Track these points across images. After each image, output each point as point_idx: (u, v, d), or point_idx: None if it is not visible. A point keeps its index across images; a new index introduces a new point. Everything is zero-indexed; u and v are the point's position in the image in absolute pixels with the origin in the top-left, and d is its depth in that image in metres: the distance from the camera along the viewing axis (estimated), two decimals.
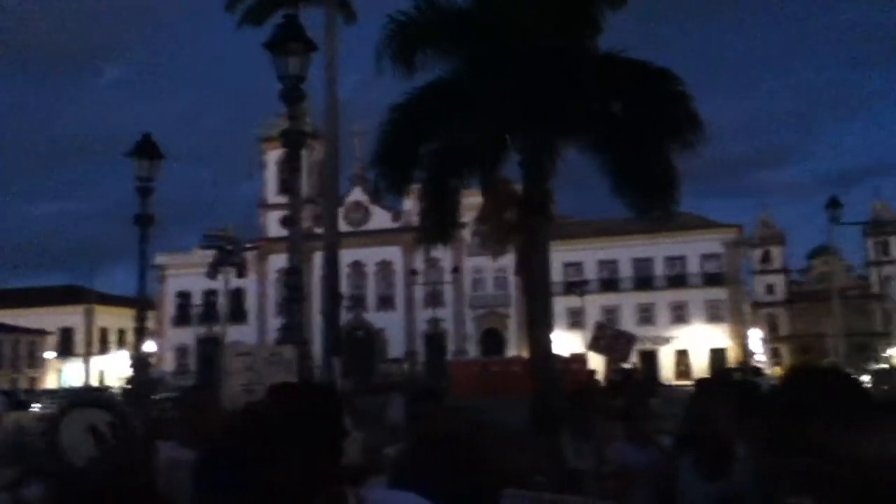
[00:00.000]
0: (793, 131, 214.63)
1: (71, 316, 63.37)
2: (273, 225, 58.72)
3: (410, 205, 40.41)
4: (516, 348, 51.40)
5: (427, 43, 10.27)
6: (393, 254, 59.23)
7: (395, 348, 59.04)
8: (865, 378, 40.10)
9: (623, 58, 10.26)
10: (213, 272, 51.36)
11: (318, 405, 1.80)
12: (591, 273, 58.87)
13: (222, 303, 57.81)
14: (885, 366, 50.40)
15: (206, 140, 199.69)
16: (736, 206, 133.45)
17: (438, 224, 11.92)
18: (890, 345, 65.61)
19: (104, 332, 64.86)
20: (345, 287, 50.67)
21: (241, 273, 54.44)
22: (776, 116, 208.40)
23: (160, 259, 60.87)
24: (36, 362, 61.19)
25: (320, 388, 2.11)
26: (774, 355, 76.89)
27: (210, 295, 57.74)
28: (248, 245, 58.39)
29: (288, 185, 10.17)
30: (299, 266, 8.85)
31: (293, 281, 8.92)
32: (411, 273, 51.39)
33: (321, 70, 14.97)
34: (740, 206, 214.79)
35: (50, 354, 62.83)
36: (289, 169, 9.12)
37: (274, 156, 56.71)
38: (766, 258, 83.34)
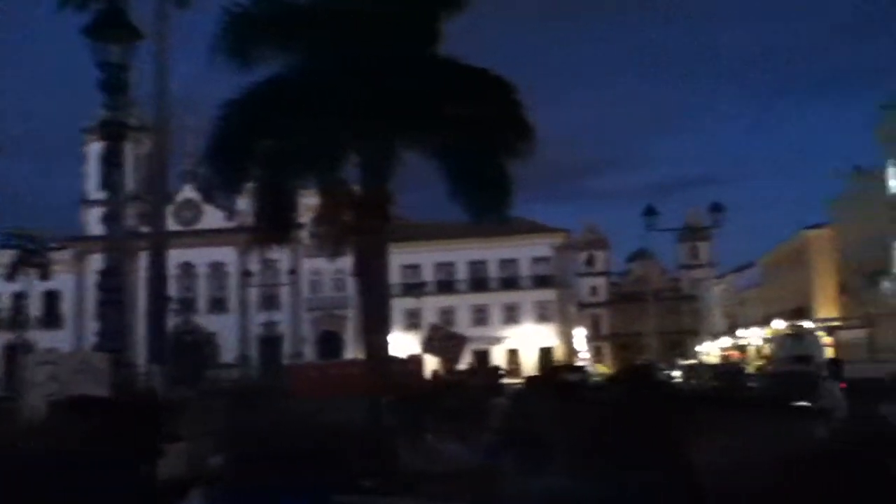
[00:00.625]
0: (617, 141, 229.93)
1: None
2: (94, 223, 54.79)
3: (246, 204, 39.15)
4: (354, 351, 51.19)
5: (265, 37, 9.95)
6: (226, 254, 57.11)
7: (229, 353, 56.97)
8: (676, 373, 43.54)
9: (462, 64, 10.46)
10: (12, 273, 47.02)
11: (119, 420, 1.65)
12: (428, 275, 59.78)
13: (32, 306, 53.19)
14: (694, 361, 54.86)
15: (27, 130, 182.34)
16: (564, 212, 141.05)
17: (274, 224, 11.60)
18: (698, 342, 71.53)
19: None
20: (174, 289, 48.23)
21: (45, 275, 50.31)
22: (602, 127, 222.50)
23: None
24: None
25: (126, 401, 1.93)
26: (597, 353, 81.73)
27: (19, 298, 52.92)
28: (55, 244, 54.03)
29: (108, 179, 9.50)
30: (118, 266, 8.29)
31: (111, 282, 8.34)
32: (246, 274, 49.71)
33: (153, 60, 14.14)
34: (568, 211, 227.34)
35: None
36: (109, 162, 8.53)
37: (96, 149, 52.89)
38: (590, 261, 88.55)
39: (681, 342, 75.71)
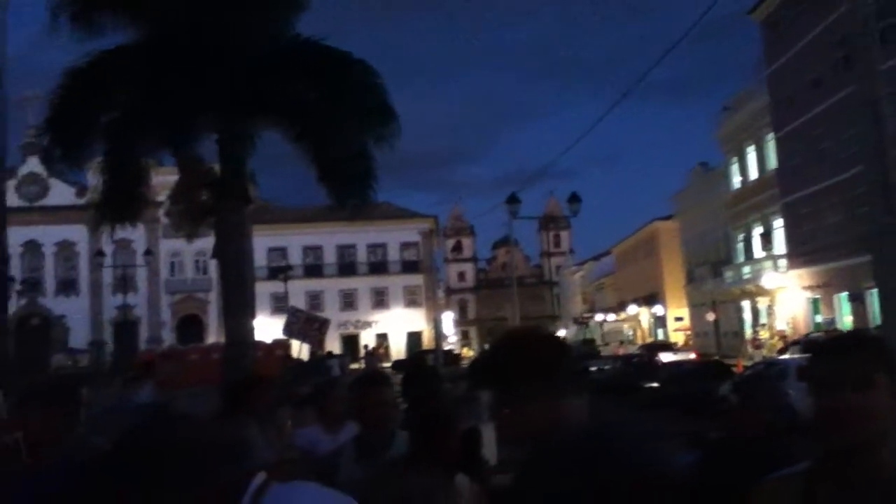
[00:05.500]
0: (478, 132, 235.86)
1: None
2: None
3: (96, 179, 36.84)
4: (217, 335, 49.57)
5: (110, 4, 9.34)
6: (76, 233, 53.54)
7: (80, 337, 53.72)
8: None
9: (322, 45, 10.28)
10: None
11: None
12: (296, 258, 58.74)
13: None
14: None
15: None
16: (429, 200, 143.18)
17: (124, 201, 10.99)
18: (558, 326, 74.39)
19: None
20: (17, 269, 44.82)
21: None
22: (463, 118, 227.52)
23: None
24: None
25: None
26: (464, 337, 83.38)
27: None
28: None
29: None
30: None
31: None
32: (98, 254, 46.88)
33: None
34: (433, 199, 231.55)
35: None
36: None
37: None
38: (457, 248, 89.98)
39: (542, 327, 78.41)
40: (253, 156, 10.90)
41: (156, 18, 9.28)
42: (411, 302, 60.68)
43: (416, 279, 60.83)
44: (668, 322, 53.86)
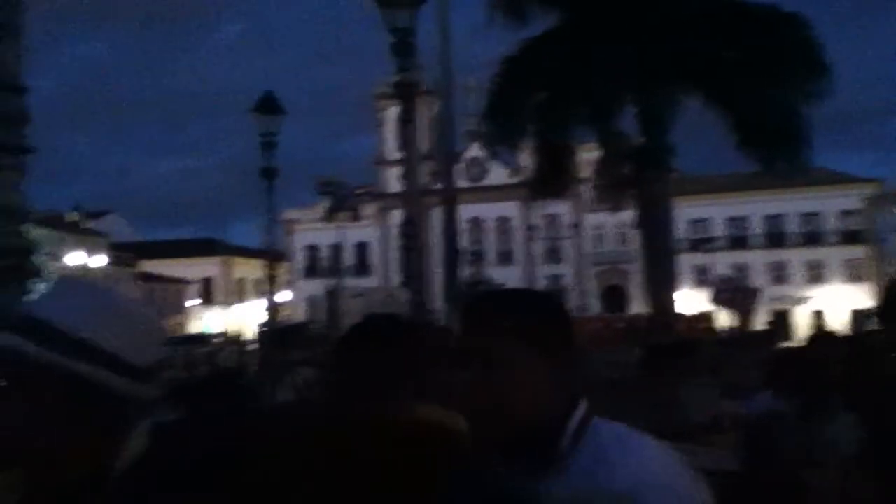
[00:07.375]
0: None
1: (209, 266, 67.94)
2: (393, 181, 59.82)
3: (528, 159, 40.03)
4: (640, 305, 50.48)
5: None
6: (511, 209, 59.15)
7: None
8: None
9: (739, 2, 9.74)
10: (329, 217, 53.50)
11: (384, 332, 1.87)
12: (718, 230, 56.72)
13: (347, 256, 59.87)
14: None
15: (320, 95, 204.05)
16: (868, 160, 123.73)
17: (552, 177, 11.89)
18: None
19: (240, 282, 69.01)
20: (464, 242, 51.18)
21: (356, 218, 56.38)
22: None
23: (288, 214, 63.46)
24: (180, 310, 65.47)
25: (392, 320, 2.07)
26: None
27: (336, 249, 59.88)
28: (359, 190, 59.95)
29: (403, 137, 10.55)
30: (414, 218, 9.19)
31: (409, 230, 9.28)
32: (530, 228, 51.18)
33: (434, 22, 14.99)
34: (873, 159, 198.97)
35: (192, 302, 67.24)
36: (404, 121, 9.41)
37: (392, 112, 57.37)
38: None
39: None
40: (674, 126, 10.86)
41: (574, 1, 9.80)
42: (853, 276, 54.35)
43: (858, 251, 54.18)
44: None
